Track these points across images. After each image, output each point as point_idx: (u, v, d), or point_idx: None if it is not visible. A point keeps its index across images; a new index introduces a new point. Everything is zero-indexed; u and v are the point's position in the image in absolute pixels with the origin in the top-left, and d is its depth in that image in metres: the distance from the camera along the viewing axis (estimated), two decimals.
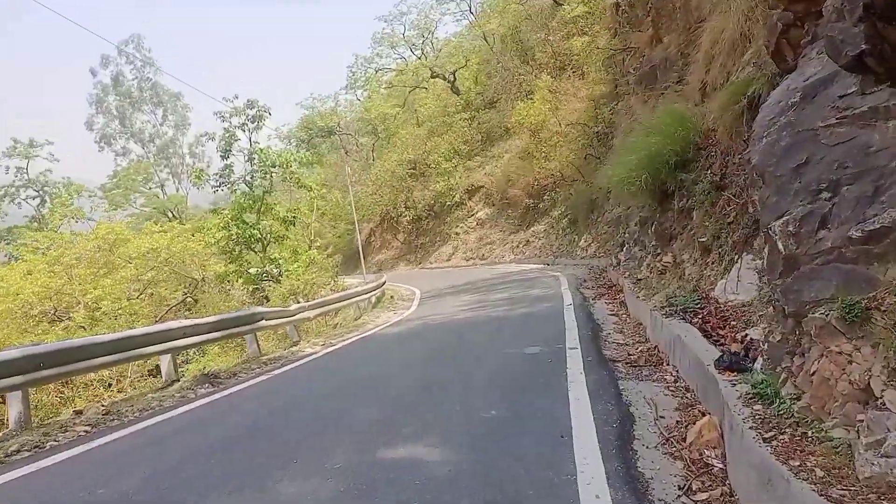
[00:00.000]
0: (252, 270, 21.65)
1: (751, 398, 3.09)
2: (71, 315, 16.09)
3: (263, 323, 10.27)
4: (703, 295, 5.97)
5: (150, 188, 52.62)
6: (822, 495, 2.11)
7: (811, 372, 2.82)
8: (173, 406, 6.40)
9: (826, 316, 2.75)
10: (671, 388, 4.56)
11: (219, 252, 22.13)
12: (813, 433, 2.59)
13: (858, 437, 2.33)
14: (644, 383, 4.82)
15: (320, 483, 3.40)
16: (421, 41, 44.63)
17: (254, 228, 22.49)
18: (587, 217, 20.65)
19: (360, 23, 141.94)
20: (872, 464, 2.17)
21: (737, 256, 5.65)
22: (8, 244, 35.44)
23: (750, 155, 3.83)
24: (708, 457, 3.18)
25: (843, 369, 2.62)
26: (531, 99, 25.42)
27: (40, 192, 45.49)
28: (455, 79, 38.97)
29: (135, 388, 10.21)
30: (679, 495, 2.84)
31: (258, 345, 10.23)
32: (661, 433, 3.63)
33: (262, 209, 22.88)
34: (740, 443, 2.78)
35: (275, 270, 21.59)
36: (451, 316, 11.25)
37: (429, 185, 34.92)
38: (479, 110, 35.65)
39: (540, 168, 24.77)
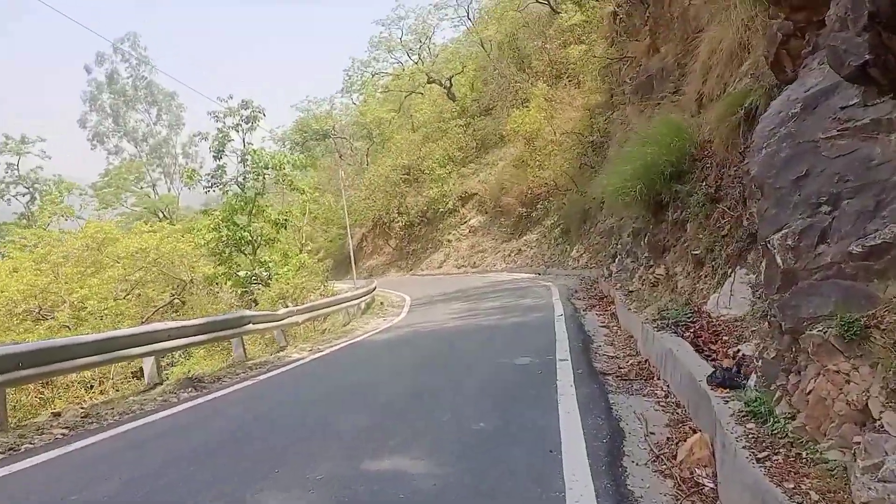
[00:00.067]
0: (241, 273, 21.42)
1: (744, 416, 3.01)
2: (55, 314, 15.84)
3: (251, 327, 10.12)
4: (696, 308, 5.91)
5: (142, 188, 52.31)
6: None
7: (807, 391, 2.75)
8: (155, 410, 6.26)
9: (824, 333, 2.69)
10: (662, 404, 4.50)
11: (208, 254, 21.90)
12: (808, 454, 2.52)
13: (855, 460, 2.26)
14: (634, 397, 4.75)
15: (301, 495, 3.30)
16: (418, 46, 44.86)
17: (244, 230, 22.28)
18: (580, 227, 20.64)
19: (361, 23, 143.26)
20: (869, 488, 2.09)
21: (730, 270, 5.60)
22: None
23: (749, 166, 3.77)
24: (699, 476, 3.10)
25: (841, 389, 2.55)
26: (527, 107, 25.53)
27: (30, 189, 45.22)
28: (451, 85, 39.03)
29: (117, 391, 10.02)
30: None
31: (244, 349, 10.08)
32: (652, 450, 3.56)
33: (253, 211, 22.69)
34: (733, 462, 2.70)
35: (264, 273, 21.38)
36: (441, 324, 11.17)
37: (422, 192, 34.89)
38: (475, 117, 35.71)
39: (534, 176, 24.79)
